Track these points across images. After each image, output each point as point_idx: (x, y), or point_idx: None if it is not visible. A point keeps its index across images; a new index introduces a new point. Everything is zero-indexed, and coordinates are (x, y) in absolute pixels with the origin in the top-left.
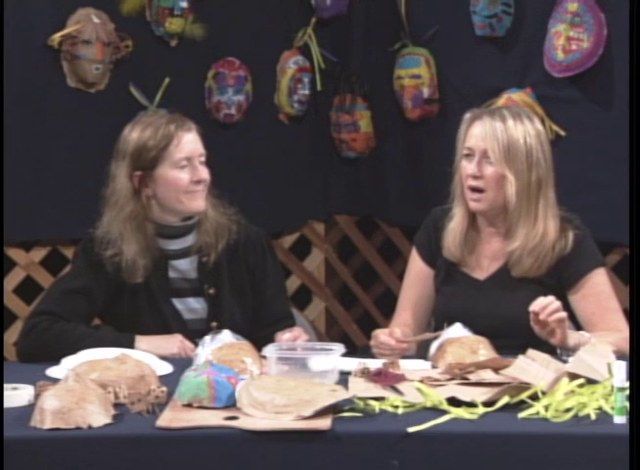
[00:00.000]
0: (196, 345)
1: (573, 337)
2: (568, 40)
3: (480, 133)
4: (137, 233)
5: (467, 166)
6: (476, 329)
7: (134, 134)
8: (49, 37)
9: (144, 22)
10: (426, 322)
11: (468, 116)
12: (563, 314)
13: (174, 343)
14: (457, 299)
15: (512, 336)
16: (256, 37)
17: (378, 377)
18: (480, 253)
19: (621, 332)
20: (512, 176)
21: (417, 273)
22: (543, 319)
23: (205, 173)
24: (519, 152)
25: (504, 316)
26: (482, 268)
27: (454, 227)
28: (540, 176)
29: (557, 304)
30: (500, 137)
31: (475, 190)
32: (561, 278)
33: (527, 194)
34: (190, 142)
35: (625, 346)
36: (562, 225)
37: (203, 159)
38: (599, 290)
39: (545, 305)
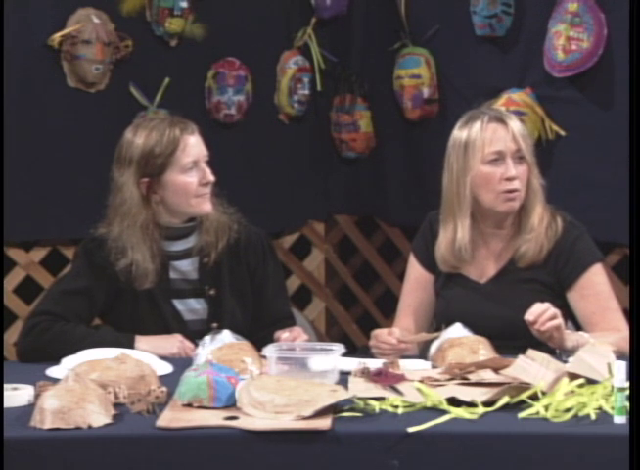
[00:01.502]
0: (196, 345)
1: (572, 338)
2: (568, 40)
3: (507, 135)
4: (148, 240)
5: (496, 171)
6: (477, 332)
7: (138, 140)
8: (49, 37)
9: (144, 22)
10: (427, 327)
11: (484, 121)
12: (557, 322)
13: (174, 343)
14: (458, 303)
15: (513, 338)
16: (256, 37)
17: (378, 377)
18: (479, 255)
19: (621, 332)
20: (535, 172)
21: (416, 279)
22: (538, 329)
23: (211, 175)
24: (532, 149)
25: (505, 319)
26: (483, 271)
27: (459, 238)
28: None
29: (552, 311)
30: (526, 136)
31: (512, 191)
32: (560, 277)
33: (540, 187)
34: (195, 145)
35: (625, 345)
36: (551, 212)
37: (207, 159)
38: (598, 289)
39: (540, 314)
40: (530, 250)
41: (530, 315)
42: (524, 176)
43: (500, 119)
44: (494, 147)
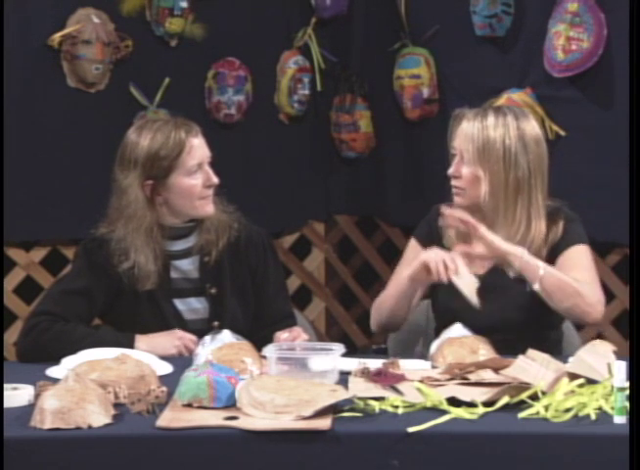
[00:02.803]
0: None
1: (510, 246)
2: (568, 40)
3: (460, 133)
4: (151, 242)
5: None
6: (475, 324)
7: (143, 142)
8: (49, 37)
9: (144, 22)
10: (414, 307)
11: (454, 115)
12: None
13: (173, 342)
14: (456, 294)
15: (510, 330)
16: (256, 37)
17: (378, 377)
18: (478, 247)
19: (581, 283)
20: (485, 177)
21: (415, 257)
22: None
23: (215, 177)
24: (493, 152)
25: (502, 311)
26: (480, 263)
27: None
28: (519, 178)
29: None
30: (475, 137)
31: (453, 187)
32: (551, 258)
33: (504, 195)
34: (200, 147)
35: (576, 298)
36: (552, 219)
37: (210, 161)
38: (582, 261)
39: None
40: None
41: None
42: (466, 178)
43: (465, 117)
44: (452, 142)
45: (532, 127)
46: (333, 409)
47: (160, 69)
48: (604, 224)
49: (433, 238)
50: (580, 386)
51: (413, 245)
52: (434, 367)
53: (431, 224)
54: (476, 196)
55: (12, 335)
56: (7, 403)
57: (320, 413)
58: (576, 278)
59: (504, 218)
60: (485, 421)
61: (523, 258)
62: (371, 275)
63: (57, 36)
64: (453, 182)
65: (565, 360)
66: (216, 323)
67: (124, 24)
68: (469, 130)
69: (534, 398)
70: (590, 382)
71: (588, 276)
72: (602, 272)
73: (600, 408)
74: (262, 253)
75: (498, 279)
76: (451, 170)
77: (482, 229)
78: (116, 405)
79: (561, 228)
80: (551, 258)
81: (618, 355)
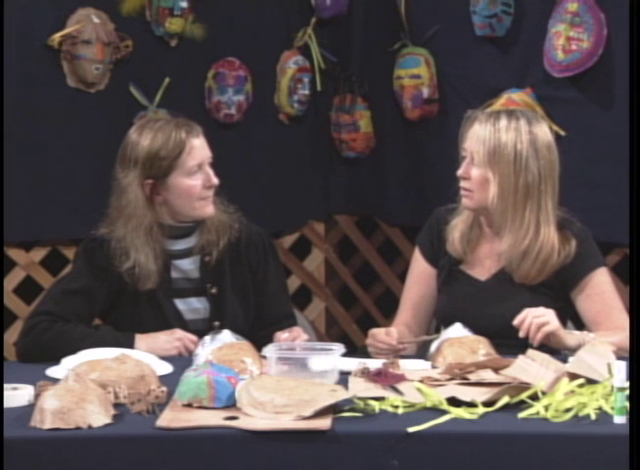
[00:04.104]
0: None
1: (575, 336)
2: (568, 40)
3: (472, 135)
4: (152, 242)
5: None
6: (476, 330)
7: (144, 141)
8: (49, 37)
9: (144, 22)
10: (427, 322)
11: (466, 116)
12: (547, 329)
13: (173, 342)
14: (458, 299)
15: (512, 337)
16: (256, 37)
17: (378, 377)
18: (482, 252)
19: (626, 330)
20: (495, 180)
21: (420, 273)
22: (532, 339)
23: (215, 178)
24: (504, 155)
25: (505, 317)
26: (484, 269)
27: (458, 223)
28: (529, 182)
29: (537, 322)
30: (487, 140)
31: (462, 188)
32: (563, 278)
33: (514, 199)
34: (200, 148)
35: (624, 354)
36: (563, 232)
37: (210, 161)
38: (603, 289)
39: (526, 328)
40: (523, 270)
41: (522, 333)
42: (475, 180)
43: (477, 118)
44: (463, 143)
45: (545, 133)
46: (333, 409)
47: (160, 69)
48: (604, 224)
49: (434, 247)
50: (580, 386)
51: (418, 257)
52: (434, 367)
53: (432, 231)
54: (484, 198)
55: (12, 335)
56: (7, 403)
57: (320, 413)
58: (611, 313)
59: (512, 223)
60: (485, 421)
61: (579, 343)
62: (371, 275)
63: (57, 36)
64: (462, 183)
65: (565, 360)
66: (217, 323)
67: (124, 24)
68: (480, 132)
69: (534, 398)
70: (590, 382)
71: (617, 304)
72: None
73: (600, 408)
74: (263, 253)
75: (501, 285)
76: (460, 171)
77: (556, 326)
78: (116, 405)
79: (574, 248)
80: (563, 277)
81: (618, 355)
